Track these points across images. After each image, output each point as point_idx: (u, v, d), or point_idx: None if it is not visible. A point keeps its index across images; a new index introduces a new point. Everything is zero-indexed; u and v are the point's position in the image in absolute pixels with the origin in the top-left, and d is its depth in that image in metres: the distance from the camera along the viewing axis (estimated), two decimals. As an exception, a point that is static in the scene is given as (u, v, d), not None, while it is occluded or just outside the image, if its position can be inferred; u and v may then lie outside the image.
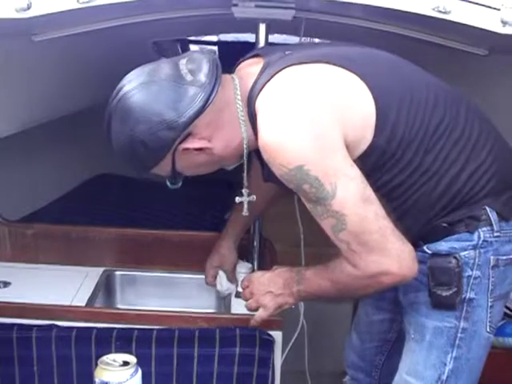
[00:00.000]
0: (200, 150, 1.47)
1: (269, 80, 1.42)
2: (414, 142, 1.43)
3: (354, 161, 1.39)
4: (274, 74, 1.42)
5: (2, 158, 2.28)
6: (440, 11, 1.52)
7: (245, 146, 1.49)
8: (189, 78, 1.42)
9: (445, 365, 1.54)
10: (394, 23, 1.91)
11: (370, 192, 1.38)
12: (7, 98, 1.96)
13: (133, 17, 1.96)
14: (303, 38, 2.01)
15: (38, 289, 2.01)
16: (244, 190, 1.61)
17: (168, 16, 1.98)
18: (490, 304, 1.52)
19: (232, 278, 2.02)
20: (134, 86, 1.43)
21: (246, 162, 1.53)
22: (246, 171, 1.56)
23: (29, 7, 1.50)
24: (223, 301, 2.07)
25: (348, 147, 1.38)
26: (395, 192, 1.47)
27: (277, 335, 1.82)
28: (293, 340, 1.93)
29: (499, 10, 1.50)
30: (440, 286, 1.49)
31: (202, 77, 1.42)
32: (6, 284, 2.06)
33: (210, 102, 1.41)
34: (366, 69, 1.44)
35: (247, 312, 1.85)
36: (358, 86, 1.41)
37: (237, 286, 2.00)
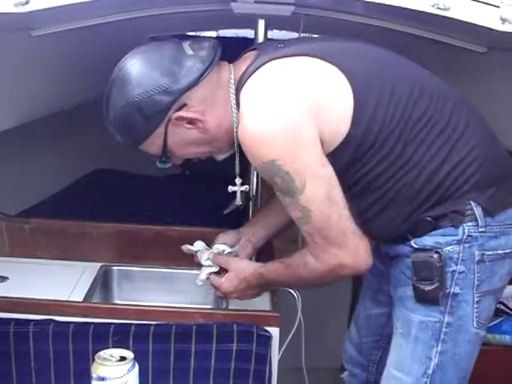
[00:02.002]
0: (193, 123, 1.52)
1: (254, 71, 1.48)
2: (393, 133, 1.46)
3: (332, 153, 1.45)
4: (260, 66, 1.48)
5: (-1, 153, 2.28)
6: (439, 8, 1.51)
7: (235, 130, 1.53)
8: (190, 52, 1.50)
9: (430, 359, 1.55)
10: (393, 20, 1.91)
11: (336, 193, 1.45)
12: (5, 93, 1.95)
13: (132, 12, 1.96)
14: (302, 34, 2.01)
15: (35, 284, 2.01)
16: (237, 180, 1.65)
17: (167, 11, 1.98)
18: (476, 299, 1.52)
19: (215, 260, 1.81)
20: (136, 56, 1.51)
21: (237, 148, 1.56)
22: (237, 158, 1.59)
23: (27, 2, 1.50)
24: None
25: (324, 142, 1.44)
26: (376, 182, 1.50)
27: (274, 331, 1.82)
28: (290, 336, 1.93)
29: (498, 7, 1.50)
30: (422, 281, 1.51)
31: (202, 52, 1.51)
32: (3, 279, 2.06)
33: (206, 73, 1.49)
34: (348, 62, 1.49)
35: (245, 308, 1.86)
36: (338, 78, 1.46)
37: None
